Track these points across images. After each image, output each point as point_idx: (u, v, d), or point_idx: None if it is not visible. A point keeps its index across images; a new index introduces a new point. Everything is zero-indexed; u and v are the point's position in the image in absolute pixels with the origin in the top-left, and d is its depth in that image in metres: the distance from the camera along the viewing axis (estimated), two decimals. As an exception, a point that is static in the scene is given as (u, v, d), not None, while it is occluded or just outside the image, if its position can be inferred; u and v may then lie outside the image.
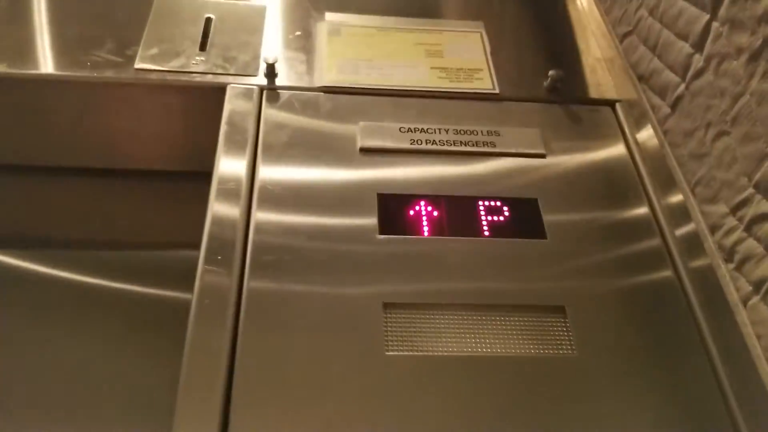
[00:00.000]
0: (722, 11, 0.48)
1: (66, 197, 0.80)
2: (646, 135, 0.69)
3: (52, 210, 0.79)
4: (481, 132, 0.71)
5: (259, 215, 0.61)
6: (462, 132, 0.71)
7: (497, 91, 0.76)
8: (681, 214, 0.63)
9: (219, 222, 0.60)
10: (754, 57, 0.45)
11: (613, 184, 0.69)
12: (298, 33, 0.79)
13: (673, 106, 0.57)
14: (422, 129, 0.71)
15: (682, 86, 0.55)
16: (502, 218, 0.65)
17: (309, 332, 0.54)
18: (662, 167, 0.65)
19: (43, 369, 0.67)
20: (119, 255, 0.77)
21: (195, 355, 0.52)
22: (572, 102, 0.76)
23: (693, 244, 0.60)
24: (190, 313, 0.54)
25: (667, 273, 0.62)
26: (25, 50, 0.73)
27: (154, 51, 0.74)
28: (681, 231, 0.63)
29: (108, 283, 0.74)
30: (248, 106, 0.70)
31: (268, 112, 0.70)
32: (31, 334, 0.69)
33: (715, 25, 0.50)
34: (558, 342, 0.57)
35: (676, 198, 0.61)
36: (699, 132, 0.53)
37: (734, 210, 0.48)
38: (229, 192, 0.62)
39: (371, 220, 0.62)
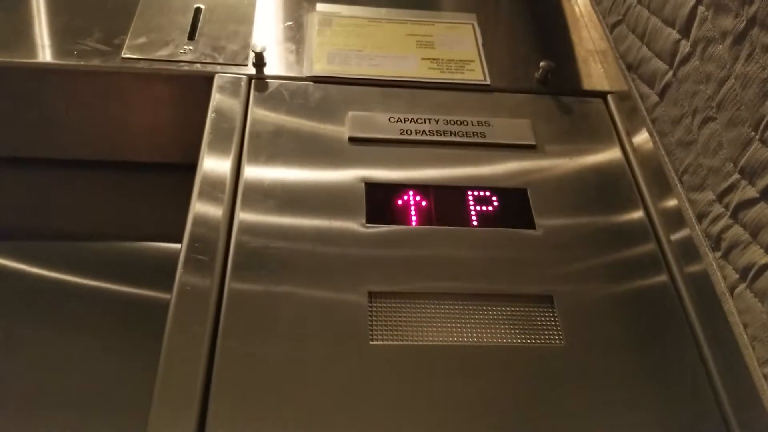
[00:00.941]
0: (708, -5, 0.48)
1: (49, 189, 0.79)
2: (637, 129, 0.69)
3: (31, 202, 0.79)
4: (472, 122, 0.71)
5: (244, 208, 0.61)
6: (452, 122, 0.71)
7: (488, 82, 0.76)
8: (670, 201, 0.63)
9: (202, 219, 0.59)
10: (739, 39, 0.44)
11: (602, 175, 0.68)
12: (288, 23, 0.79)
13: (661, 94, 0.56)
14: (412, 119, 0.70)
15: (670, 73, 0.55)
16: (491, 208, 0.64)
17: (292, 326, 0.54)
18: (653, 162, 0.65)
19: (15, 365, 0.66)
20: (100, 248, 0.77)
21: (172, 354, 0.50)
22: (563, 93, 0.76)
23: (677, 221, 0.60)
24: (168, 313, 0.53)
25: (657, 262, 0.61)
26: (12, 39, 0.73)
27: (142, 40, 0.73)
28: (666, 206, 0.63)
29: (86, 277, 0.73)
30: (236, 95, 0.70)
31: (256, 102, 0.70)
32: (3, 328, 0.68)
33: (700, 9, 0.49)
34: (545, 332, 0.56)
35: (667, 189, 0.61)
36: (686, 119, 0.52)
37: (720, 197, 0.48)
38: (212, 186, 0.61)
39: (359, 210, 0.62)
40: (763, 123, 0.43)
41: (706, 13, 0.49)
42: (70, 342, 0.68)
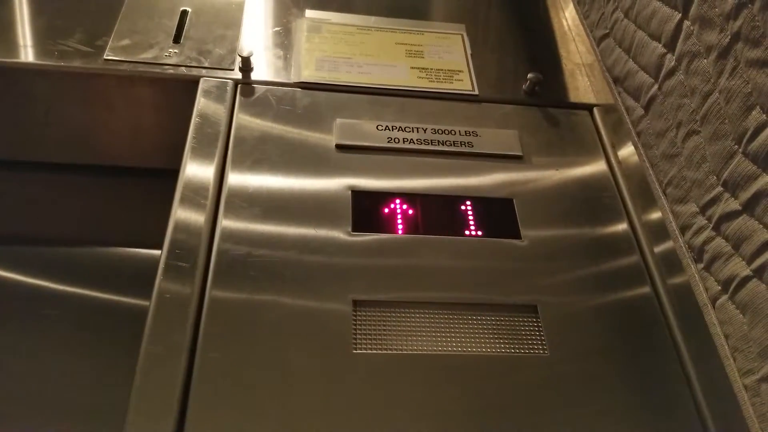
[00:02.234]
0: (693, 9, 0.48)
1: (27, 193, 0.78)
2: (623, 141, 0.70)
3: (8, 206, 0.77)
4: (459, 132, 0.71)
5: (226, 215, 0.60)
6: (440, 132, 0.71)
7: (476, 92, 0.76)
8: (654, 213, 0.63)
9: (183, 226, 0.58)
10: (723, 54, 0.45)
11: (588, 187, 0.69)
12: (277, 29, 0.79)
13: (647, 108, 0.57)
14: (400, 127, 0.70)
15: (655, 87, 0.55)
16: (477, 218, 0.64)
17: (274, 333, 0.53)
18: (638, 174, 0.65)
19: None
20: (79, 253, 0.75)
21: (149, 363, 0.49)
22: (550, 105, 0.76)
23: (660, 233, 0.60)
24: (146, 321, 0.51)
25: (640, 273, 0.62)
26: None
27: (125, 42, 0.72)
28: (650, 218, 0.63)
29: (63, 282, 0.71)
30: (221, 100, 0.69)
31: (242, 107, 0.69)
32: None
33: (686, 23, 0.50)
34: (530, 342, 0.56)
35: (651, 202, 0.61)
36: (670, 132, 0.53)
37: (703, 209, 0.48)
38: (195, 191, 0.60)
39: (345, 218, 0.61)
40: (746, 136, 0.43)
41: (691, 28, 0.49)
42: (45, 349, 0.67)
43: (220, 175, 0.62)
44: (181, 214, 0.59)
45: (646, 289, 0.61)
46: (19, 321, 0.68)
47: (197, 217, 0.59)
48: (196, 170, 0.62)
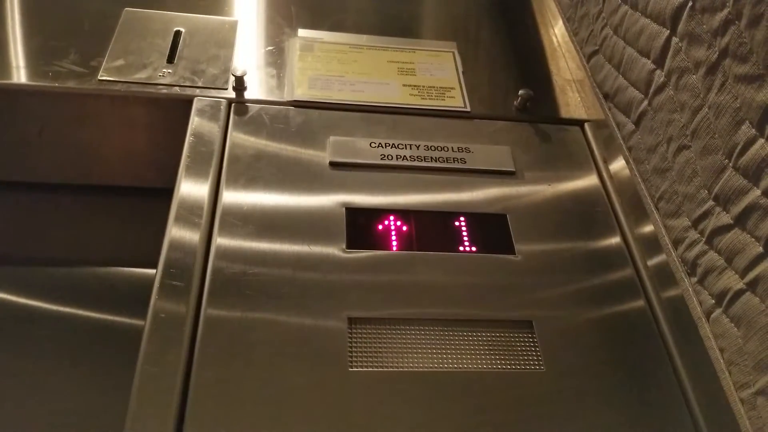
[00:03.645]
0: (681, 26, 0.49)
1: (21, 213, 0.78)
2: (614, 156, 0.70)
3: (3, 226, 0.76)
4: (452, 148, 0.72)
5: (221, 233, 0.60)
6: (433, 148, 0.71)
7: (468, 109, 0.77)
8: (647, 226, 0.63)
9: (178, 244, 0.58)
10: (711, 70, 0.46)
11: (580, 202, 0.69)
12: (270, 48, 0.79)
13: (637, 123, 0.57)
14: (393, 144, 0.71)
15: (645, 102, 0.56)
16: (471, 234, 0.64)
17: (269, 352, 0.53)
18: (629, 188, 0.66)
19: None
20: (74, 273, 0.75)
21: (145, 384, 0.49)
22: (542, 121, 0.77)
23: (653, 246, 0.60)
24: (141, 341, 0.51)
25: (634, 287, 0.62)
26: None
27: (119, 62, 0.73)
28: (642, 231, 0.63)
29: (58, 303, 0.71)
30: (215, 119, 0.69)
31: (236, 126, 0.69)
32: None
33: (674, 40, 0.51)
34: (526, 357, 0.56)
35: (643, 215, 0.61)
36: (661, 147, 0.53)
37: (696, 223, 0.49)
38: (189, 210, 0.60)
39: (339, 235, 0.61)
40: (736, 151, 0.44)
41: (679, 44, 0.50)
42: (41, 369, 0.66)
43: (214, 194, 0.62)
44: (176, 232, 0.58)
45: (640, 303, 0.61)
46: (13, 342, 0.68)
47: (192, 236, 0.58)
48: (191, 189, 0.62)
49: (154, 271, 0.56)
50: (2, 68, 0.70)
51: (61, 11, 0.79)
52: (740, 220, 0.44)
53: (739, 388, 0.43)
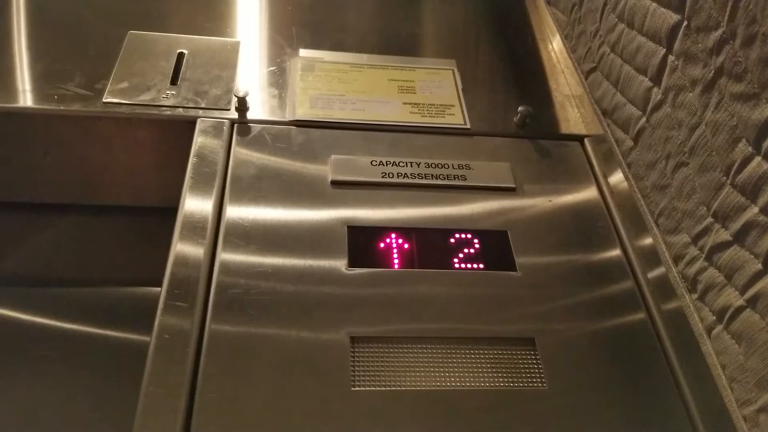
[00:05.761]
0: (677, 45, 0.50)
1: (27, 234, 0.78)
2: (614, 172, 0.71)
3: (8, 246, 0.77)
4: (452, 166, 0.72)
5: (225, 251, 0.60)
6: (433, 165, 0.72)
7: (468, 126, 0.77)
8: (646, 240, 0.64)
9: (182, 261, 0.58)
10: (708, 88, 0.46)
11: (580, 217, 0.69)
12: (272, 68, 0.80)
13: (636, 139, 0.58)
14: (394, 162, 0.71)
15: (643, 119, 0.56)
16: (472, 251, 0.65)
17: (272, 371, 0.53)
18: (629, 203, 0.66)
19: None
20: (80, 293, 0.75)
21: (150, 399, 0.49)
22: (541, 137, 0.77)
23: (654, 262, 0.61)
24: (147, 356, 0.52)
25: (637, 302, 0.62)
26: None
27: (123, 85, 0.74)
28: (643, 246, 0.64)
29: (64, 322, 0.71)
30: (218, 139, 0.70)
31: (239, 145, 0.70)
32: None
33: (670, 58, 0.51)
34: (528, 375, 0.56)
35: (643, 230, 0.62)
36: (660, 164, 0.54)
37: (695, 240, 0.49)
38: (193, 228, 0.61)
39: (341, 253, 0.62)
40: (734, 168, 0.44)
41: (676, 63, 0.51)
42: (43, 389, 0.66)
43: (218, 213, 0.63)
44: (181, 250, 0.59)
45: (641, 316, 0.61)
46: (17, 361, 0.68)
47: (196, 254, 0.59)
48: (195, 208, 0.63)
49: (158, 289, 0.56)
50: (9, 92, 0.71)
51: (66, 35, 0.80)
52: (739, 237, 0.44)
53: (741, 405, 0.43)
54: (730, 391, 0.44)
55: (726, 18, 0.43)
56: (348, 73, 0.82)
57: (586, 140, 0.78)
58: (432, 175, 0.71)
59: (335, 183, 0.68)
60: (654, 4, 0.52)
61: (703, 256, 0.48)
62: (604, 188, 0.72)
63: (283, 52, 0.83)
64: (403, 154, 0.72)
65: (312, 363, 0.54)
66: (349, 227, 0.64)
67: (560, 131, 0.79)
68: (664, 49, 0.52)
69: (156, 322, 0.54)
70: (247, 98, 0.73)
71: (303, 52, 0.83)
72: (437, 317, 0.59)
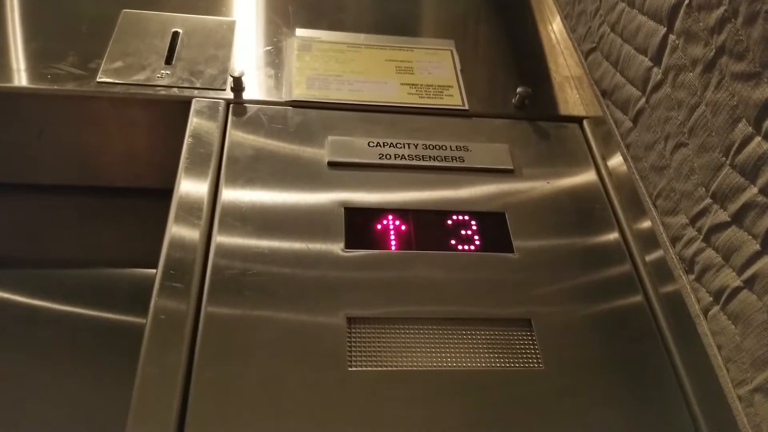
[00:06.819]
0: (678, 24, 0.49)
1: (22, 215, 0.78)
2: (613, 153, 0.70)
3: (3, 228, 0.77)
4: (450, 147, 0.72)
5: (221, 233, 0.60)
6: (431, 147, 0.71)
7: (467, 107, 0.77)
8: (645, 223, 0.63)
9: (178, 242, 0.58)
10: (708, 68, 0.46)
11: (579, 199, 0.69)
12: (268, 48, 0.80)
13: (635, 120, 0.57)
14: (391, 143, 0.71)
15: (642, 100, 0.56)
16: (469, 232, 0.64)
17: (269, 352, 0.53)
18: (628, 185, 0.66)
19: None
20: (74, 274, 0.75)
21: (147, 381, 0.49)
22: (540, 118, 0.77)
23: (651, 243, 0.60)
24: (143, 340, 0.52)
25: (634, 284, 0.62)
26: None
27: (118, 64, 0.73)
28: (641, 228, 0.64)
29: (59, 303, 0.71)
30: (214, 120, 0.69)
31: (234, 126, 0.69)
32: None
33: (671, 37, 0.51)
34: (525, 356, 0.56)
35: (641, 212, 0.61)
36: (659, 144, 0.53)
37: (693, 220, 0.49)
38: (189, 210, 0.61)
39: (338, 235, 0.62)
40: (733, 149, 0.44)
41: (676, 42, 0.50)
42: (42, 369, 0.66)
43: (213, 194, 0.63)
44: (176, 232, 0.59)
45: (638, 298, 0.61)
46: (14, 343, 0.68)
47: (192, 236, 0.59)
48: (190, 189, 0.62)
49: (154, 271, 0.56)
50: (2, 71, 0.71)
51: (60, 14, 0.79)
52: (737, 218, 0.44)
53: (736, 386, 0.44)
54: (726, 372, 0.44)
55: (728, -5, 0.42)
56: (345, 53, 0.81)
57: (585, 122, 0.77)
58: (430, 156, 0.70)
59: (332, 164, 0.68)
60: (655, -18, 0.51)
61: (701, 237, 0.47)
62: (603, 170, 0.72)
63: (280, 32, 0.82)
64: (400, 135, 0.72)
65: (309, 343, 0.54)
66: (345, 209, 0.64)
67: (559, 113, 0.78)
68: (665, 28, 0.51)
69: (152, 303, 0.54)
70: (243, 78, 0.72)
71: (300, 32, 0.82)
72: (434, 299, 0.59)
